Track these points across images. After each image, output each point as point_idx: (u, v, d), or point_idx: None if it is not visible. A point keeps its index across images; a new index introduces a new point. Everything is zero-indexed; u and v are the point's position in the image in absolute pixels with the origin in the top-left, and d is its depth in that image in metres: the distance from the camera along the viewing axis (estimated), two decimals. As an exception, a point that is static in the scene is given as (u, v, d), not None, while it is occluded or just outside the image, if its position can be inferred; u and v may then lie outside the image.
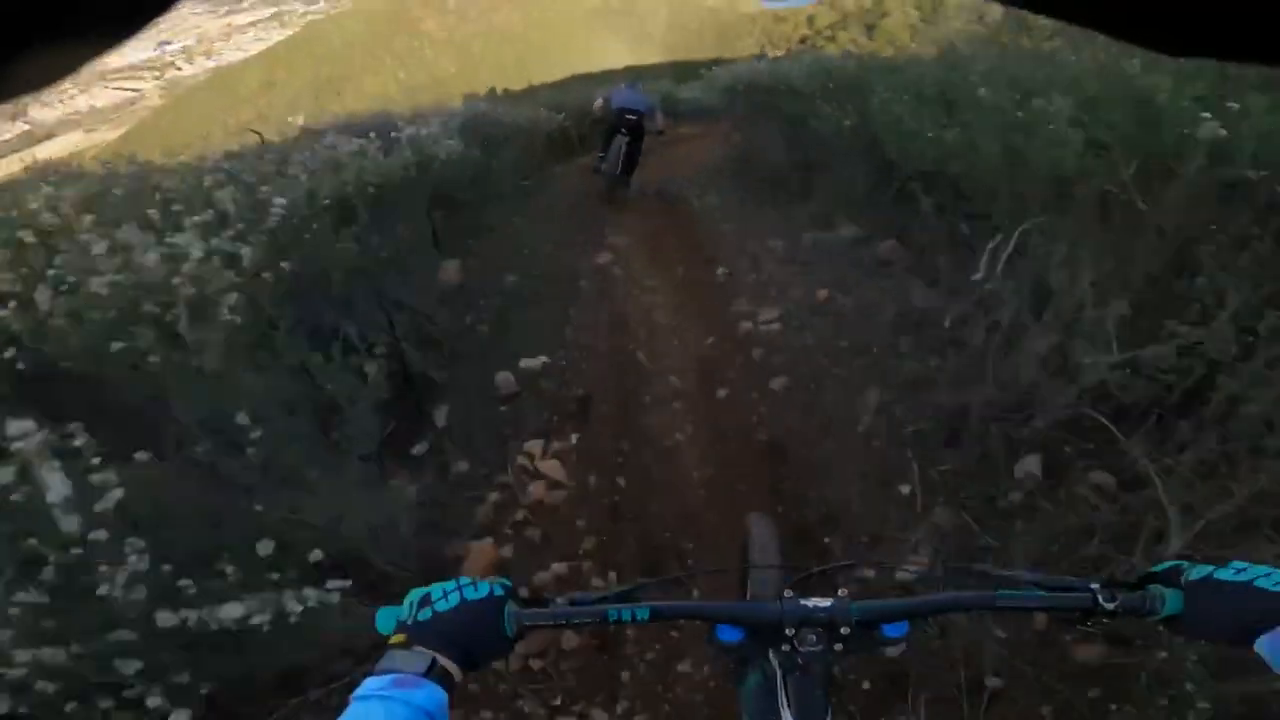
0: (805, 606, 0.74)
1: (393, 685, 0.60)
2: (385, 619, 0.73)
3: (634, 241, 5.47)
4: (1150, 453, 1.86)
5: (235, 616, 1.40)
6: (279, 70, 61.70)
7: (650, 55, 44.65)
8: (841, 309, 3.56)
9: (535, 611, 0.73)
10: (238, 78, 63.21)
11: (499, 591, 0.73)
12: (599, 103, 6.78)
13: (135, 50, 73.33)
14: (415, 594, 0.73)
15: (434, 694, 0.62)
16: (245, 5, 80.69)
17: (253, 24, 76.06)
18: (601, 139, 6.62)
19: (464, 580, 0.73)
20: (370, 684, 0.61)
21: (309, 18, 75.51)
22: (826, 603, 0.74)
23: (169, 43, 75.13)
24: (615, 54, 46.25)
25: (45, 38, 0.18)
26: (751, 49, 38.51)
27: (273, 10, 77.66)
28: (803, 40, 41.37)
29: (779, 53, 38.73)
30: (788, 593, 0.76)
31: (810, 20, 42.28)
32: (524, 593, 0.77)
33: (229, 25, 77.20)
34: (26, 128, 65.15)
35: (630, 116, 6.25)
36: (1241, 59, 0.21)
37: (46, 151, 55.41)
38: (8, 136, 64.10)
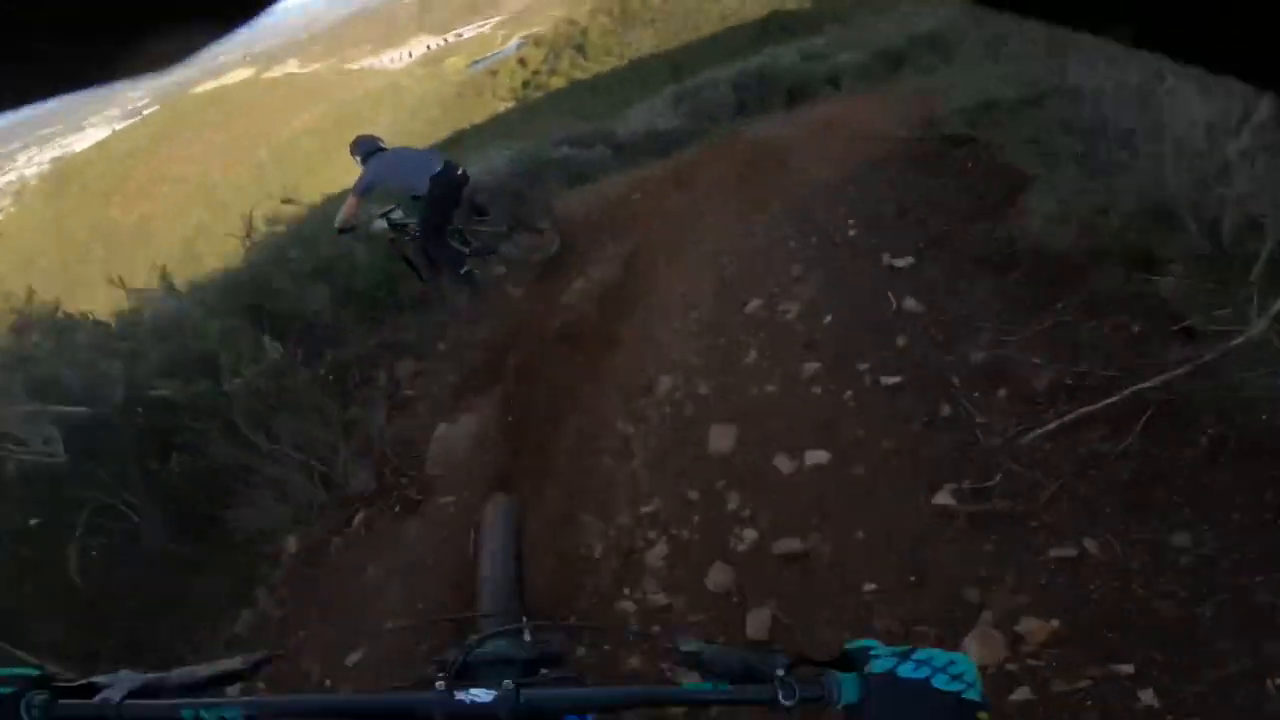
0: (461, 701, 0.65)
1: None
2: None
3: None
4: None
5: None
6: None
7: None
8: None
9: (75, 704, 0.62)
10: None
11: (7, 690, 0.60)
12: (377, 222, 3.98)
13: None
14: None
15: None
16: None
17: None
18: (423, 256, 4.00)
19: None
20: None
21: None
22: (488, 695, 0.65)
23: None
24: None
25: (165, 20, 0.19)
26: (488, 110, 45.12)
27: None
28: (525, 84, 46.93)
29: (510, 104, 46.00)
30: (440, 683, 0.68)
31: (522, 63, 48.86)
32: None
33: None
34: None
35: (447, 178, 3.76)
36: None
37: None
38: None
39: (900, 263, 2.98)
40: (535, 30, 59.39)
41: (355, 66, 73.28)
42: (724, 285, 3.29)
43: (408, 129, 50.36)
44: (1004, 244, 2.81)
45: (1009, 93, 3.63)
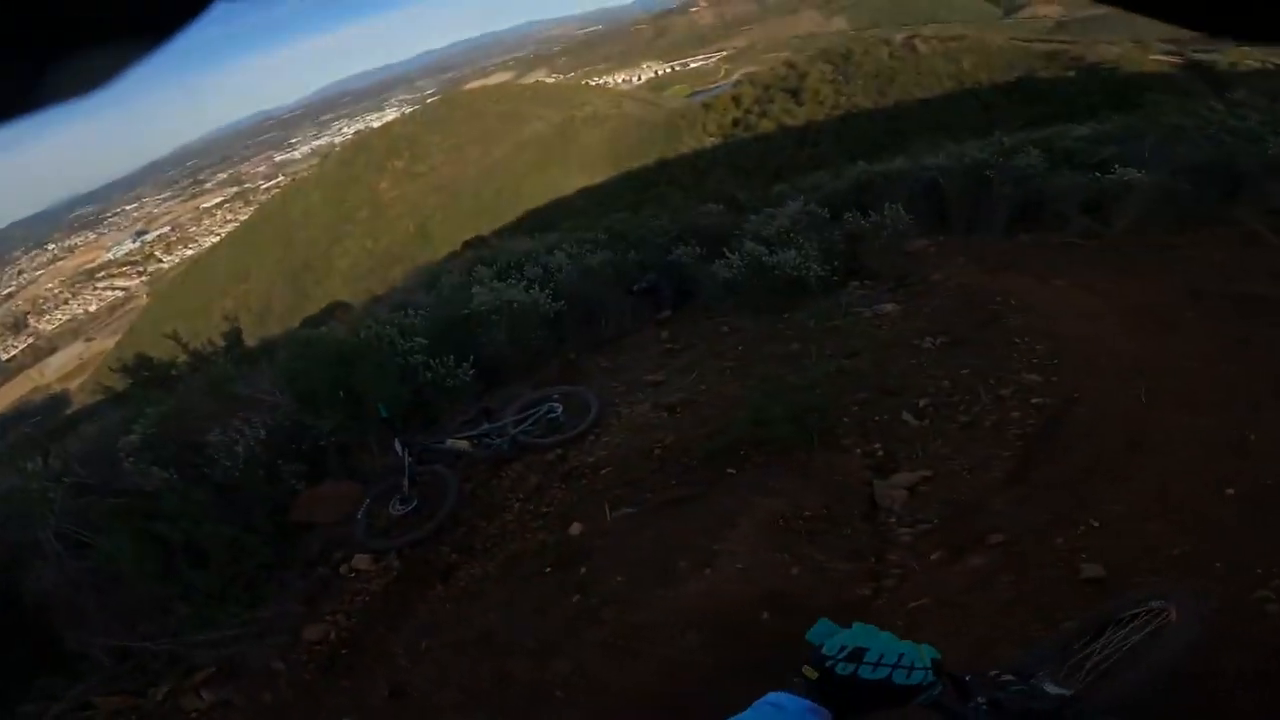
0: None
1: (807, 712, 0.76)
2: (820, 632, 0.81)
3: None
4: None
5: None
6: (248, 256, 59.98)
7: (600, 173, 46.52)
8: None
9: None
10: (210, 268, 61.57)
11: (927, 680, 0.79)
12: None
13: (116, 245, 73.17)
14: (855, 637, 0.79)
15: None
16: (210, 185, 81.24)
17: (220, 204, 76.74)
18: None
19: (905, 654, 0.79)
20: (787, 701, 0.77)
21: (272, 191, 75.04)
22: None
23: (145, 232, 73.14)
24: (569, 180, 47.90)
25: (89, 41, 0.19)
26: (694, 142, 47.14)
27: (236, 189, 79.53)
28: (735, 123, 47.46)
29: (716, 139, 46.95)
30: None
31: (736, 101, 49.04)
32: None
33: (198, 208, 76.86)
34: (31, 340, 64.66)
35: None
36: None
37: (54, 367, 58.47)
38: (15, 352, 63.58)
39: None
40: (755, 69, 61.10)
41: (591, 82, 77.74)
42: None
43: (618, 147, 54.83)
44: None
45: None
